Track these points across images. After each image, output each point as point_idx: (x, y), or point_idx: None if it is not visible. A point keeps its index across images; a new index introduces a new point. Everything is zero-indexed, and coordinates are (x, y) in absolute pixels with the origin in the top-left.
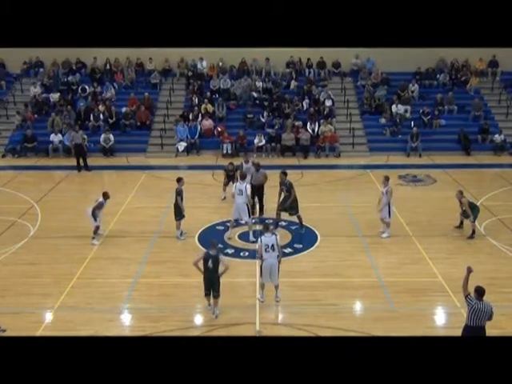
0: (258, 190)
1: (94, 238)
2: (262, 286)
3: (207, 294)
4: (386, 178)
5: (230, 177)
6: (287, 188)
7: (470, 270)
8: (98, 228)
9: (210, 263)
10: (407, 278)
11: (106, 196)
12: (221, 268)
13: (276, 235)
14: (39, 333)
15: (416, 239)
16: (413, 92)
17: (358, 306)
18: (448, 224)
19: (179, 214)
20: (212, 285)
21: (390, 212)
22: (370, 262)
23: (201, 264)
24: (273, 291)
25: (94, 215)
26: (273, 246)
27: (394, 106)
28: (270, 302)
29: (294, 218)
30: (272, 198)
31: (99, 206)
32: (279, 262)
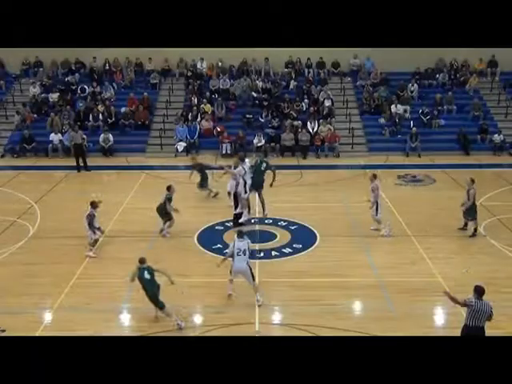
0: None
1: (91, 249)
2: (231, 281)
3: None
4: (374, 176)
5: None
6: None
7: (446, 293)
8: (96, 241)
9: (146, 274)
10: (406, 278)
11: (93, 205)
12: (157, 278)
13: (248, 241)
14: (38, 333)
15: (415, 239)
16: (412, 92)
17: (357, 306)
18: (447, 224)
19: (166, 215)
20: (154, 297)
21: (377, 209)
22: (369, 262)
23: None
24: (271, 291)
25: (92, 228)
26: (245, 250)
27: (393, 106)
28: (269, 302)
29: (294, 218)
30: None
31: (92, 217)
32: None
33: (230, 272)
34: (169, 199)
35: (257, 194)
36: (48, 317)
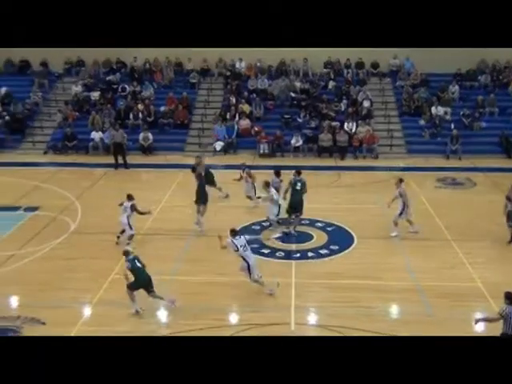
0: None
1: (128, 243)
2: (261, 282)
3: (136, 289)
4: (400, 180)
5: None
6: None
7: (479, 320)
8: (132, 236)
9: (137, 263)
10: (445, 283)
11: (131, 197)
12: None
13: (245, 236)
14: (77, 327)
15: (455, 243)
16: (453, 93)
17: (393, 310)
18: (488, 228)
19: (202, 198)
20: (150, 281)
21: (401, 213)
22: (407, 265)
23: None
24: (307, 292)
25: (130, 222)
26: (245, 244)
27: (433, 108)
28: (305, 304)
29: (331, 219)
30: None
31: (133, 209)
32: None
33: (250, 273)
34: (199, 178)
35: (294, 216)
36: (87, 311)
